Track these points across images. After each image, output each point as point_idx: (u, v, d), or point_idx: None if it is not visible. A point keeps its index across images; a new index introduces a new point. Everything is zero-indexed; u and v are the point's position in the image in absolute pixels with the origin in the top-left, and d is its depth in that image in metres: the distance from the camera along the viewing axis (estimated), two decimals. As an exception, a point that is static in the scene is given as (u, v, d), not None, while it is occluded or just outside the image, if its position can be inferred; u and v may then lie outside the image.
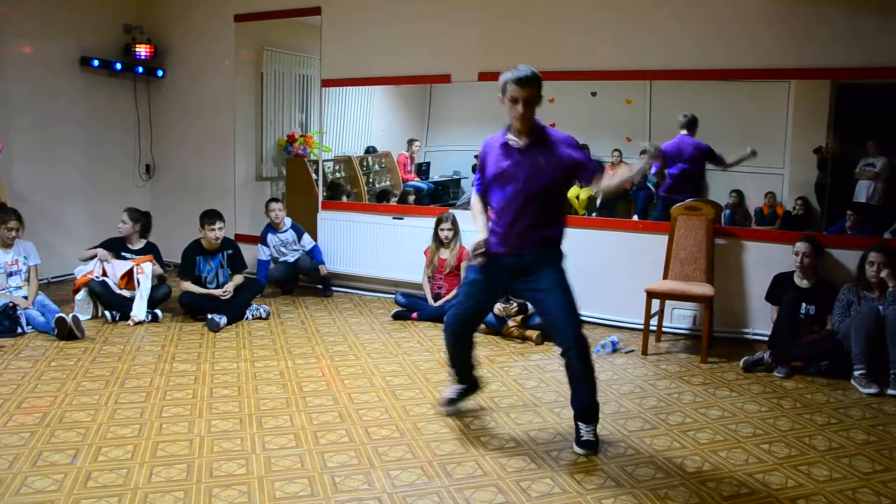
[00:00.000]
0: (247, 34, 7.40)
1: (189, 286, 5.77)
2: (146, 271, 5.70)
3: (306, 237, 6.81)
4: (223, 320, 5.55)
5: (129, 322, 5.56)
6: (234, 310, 5.73)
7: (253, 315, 5.85)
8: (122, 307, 5.63)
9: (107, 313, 5.62)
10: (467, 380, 3.94)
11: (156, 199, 7.93)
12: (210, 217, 5.79)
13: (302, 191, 7.24)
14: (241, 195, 7.61)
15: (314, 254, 6.78)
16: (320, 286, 6.87)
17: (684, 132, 5.63)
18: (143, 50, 7.44)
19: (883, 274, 4.62)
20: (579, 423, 3.50)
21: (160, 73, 7.71)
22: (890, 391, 4.33)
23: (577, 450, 3.46)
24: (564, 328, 3.39)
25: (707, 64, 5.43)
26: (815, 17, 5.10)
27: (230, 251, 5.93)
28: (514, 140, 3.44)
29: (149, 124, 7.93)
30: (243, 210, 7.62)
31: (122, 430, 3.59)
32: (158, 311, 5.76)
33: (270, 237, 6.75)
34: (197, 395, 4.12)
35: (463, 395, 3.95)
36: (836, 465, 3.39)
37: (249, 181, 7.77)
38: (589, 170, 3.40)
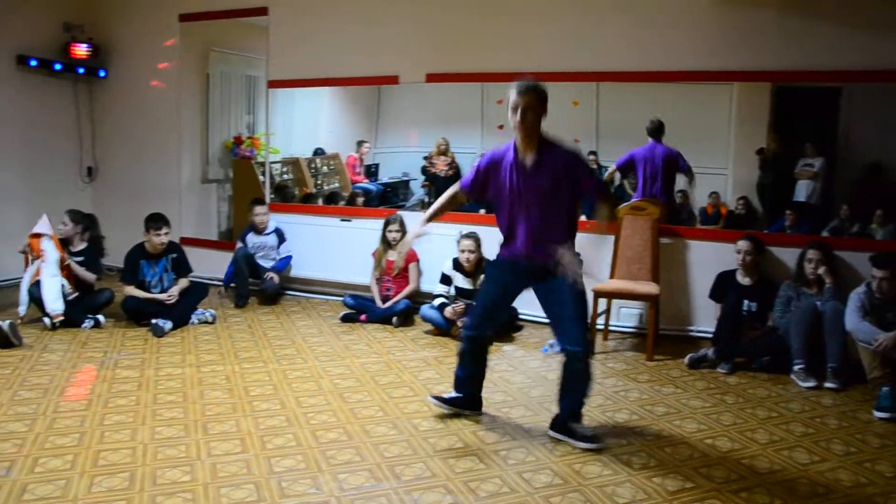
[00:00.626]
0: (192, 34, 7.27)
1: (132, 291, 5.64)
2: (46, 261, 5.50)
3: (285, 246, 6.67)
4: (168, 325, 5.43)
5: (49, 321, 5.38)
6: (180, 314, 5.61)
7: (199, 319, 5.74)
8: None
9: (45, 320, 5.44)
10: (470, 393, 3.91)
11: (98, 202, 7.73)
12: (156, 221, 5.66)
13: (249, 193, 7.13)
14: (186, 198, 7.47)
15: (281, 263, 6.63)
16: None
17: (653, 139, 5.71)
18: (83, 49, 7.26)
19: (820, 271, 4.75)
20: (574, 425, 3.57)
21: (102, 73, 7.53)
22: (827, 384, 4.45)
23: (584, 445, 3.50)
24: (570, 330, 3.50)
25: (653, 66, 5.52)
26: (753, 22, 5.23)
27: (175, 255, 5.81)
28: (521, 158, 3.52)
29: (91, 125, 7.74)
30: (189, 213, 7.48)
31: (62, 439, 3.49)
32: (101, 317, 5.61)
33: (250, 237, 6.61)
34: (140, 402, 4.03)
35: (456, 404, 3.88)
36: (777, 457, 3.47)
37: (195, 183, 7.63)
38: (593, 196, 3.62)
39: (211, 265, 6.93)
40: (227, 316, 6.02)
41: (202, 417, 3.82)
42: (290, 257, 6.70)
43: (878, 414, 4.03)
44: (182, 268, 5.84)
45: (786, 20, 5.16)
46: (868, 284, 4.45)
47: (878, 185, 5.24)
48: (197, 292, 5.87)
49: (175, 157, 7.42)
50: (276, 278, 6.51)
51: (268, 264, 6.59)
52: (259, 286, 6.51)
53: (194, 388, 4.27)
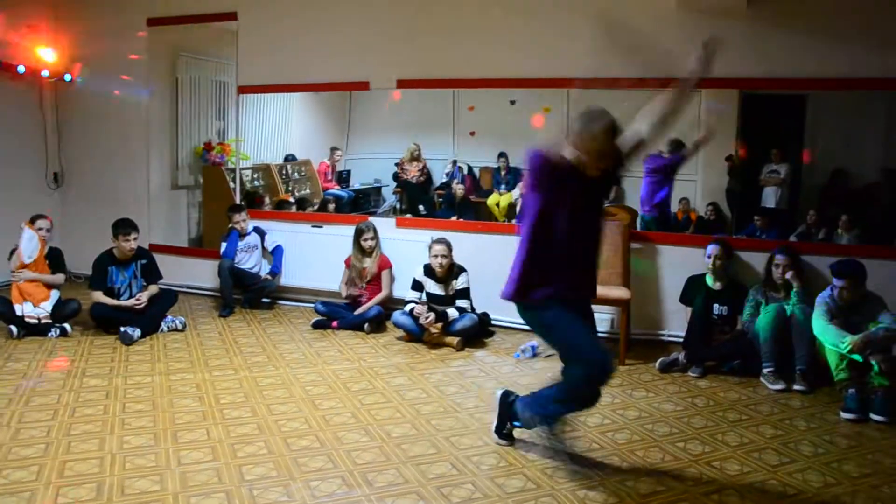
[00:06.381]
0: (160, 38, 7.19)
1: (100, 297, 5.55)
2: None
3: (269, 238, 6.59)
4: (137, 333, 5.36)
5: (15, 329, 5.36)
6: (149, 321, 5.54)
7: (168, 327, 5.67)
8: (26, 324, 5.39)
9: (11, 328, 5.35)
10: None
11: (66, 208, 7.61)
12: (125, 227, 5.57)
13: (219, 199, 7.06)
14: (155, 204, 7.37)
15: (276, 264, 6.54)
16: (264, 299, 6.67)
17: None
18: (48, 53, 7.15)
19: (788, 275, 4.81)
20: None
21: (68, 77, 7.41)
22: (796, 387, 4.51)
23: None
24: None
25: (621, 73, 5.53)
26: (720, 30, 5.24)
27: (144, 261, 5.73)
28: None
29: (56, 130, 7.61)
30: (158, 219, 7.38)
31: (26, 450, 3.43)
32: (67, 325, 5.52)
33: (236, 242, 6.46)
34: (109, 411, 3.97)
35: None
36: (747, 459, 3.51)
37: (164, 190, 7.52)
38: None
39: (181, 272, 6.86)
40: (198, 323, 5.95)
41: (172, 426, 3.77)
42: (280, 247, 6.60)
43: (844, 415, 4.09)
44: (152, 274, 5.77)
45: (752, 29, 5.21)
46: (832, 288, 4.51)
47: (843, 191, 5.33)
48: (166, 299, 5.79)
49: (144, 162, 7.32)
50: (271, 278, 6.51)
51: (251, 264, 6.52)
52: (255, 286, 6.47)
53: (164, 397, 4.22)
